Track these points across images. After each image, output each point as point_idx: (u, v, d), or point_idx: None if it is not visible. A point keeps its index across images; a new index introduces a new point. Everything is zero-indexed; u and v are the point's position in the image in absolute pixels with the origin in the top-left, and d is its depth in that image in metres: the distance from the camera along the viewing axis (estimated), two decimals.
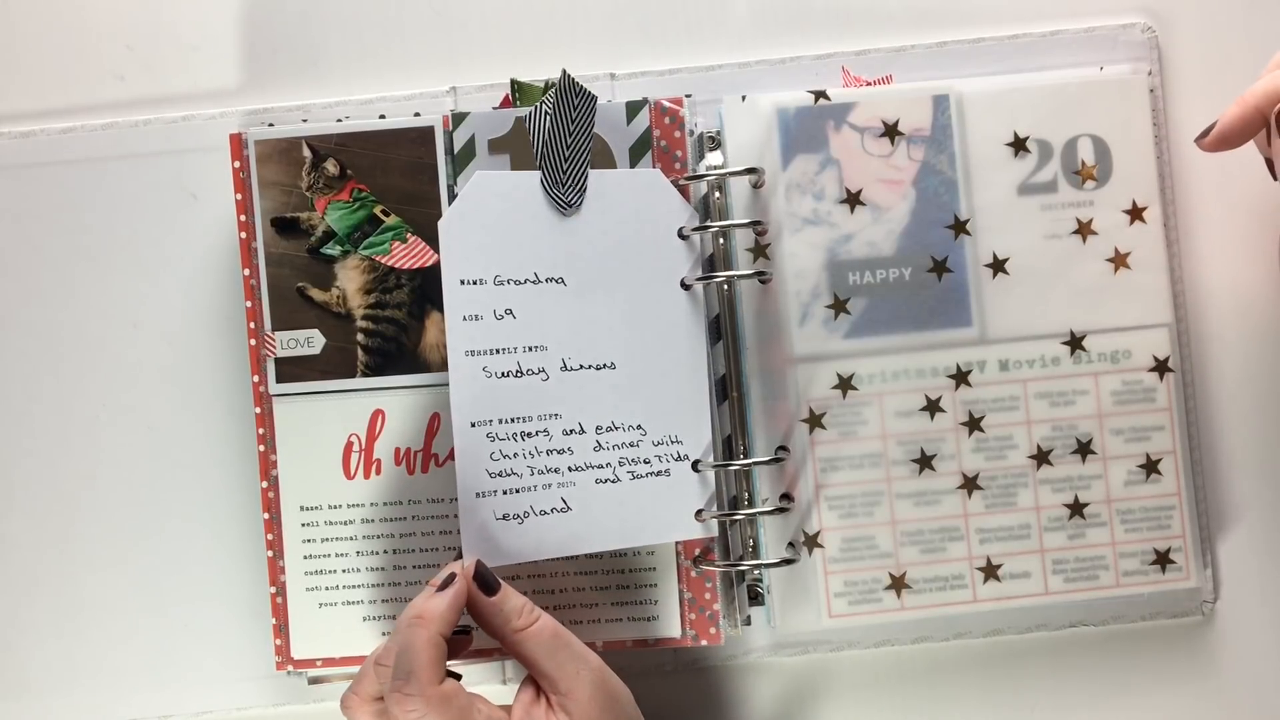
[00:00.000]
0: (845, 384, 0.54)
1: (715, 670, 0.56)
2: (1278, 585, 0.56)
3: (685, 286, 0.53)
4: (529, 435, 0.51)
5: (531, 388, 0.51)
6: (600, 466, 0.52)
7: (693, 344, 0.53)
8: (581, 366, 0.52)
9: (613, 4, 0.57)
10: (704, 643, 0.54)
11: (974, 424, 0.54)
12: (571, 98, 0.52)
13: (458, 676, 0.48)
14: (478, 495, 0.50)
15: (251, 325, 0.54)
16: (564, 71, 0.52)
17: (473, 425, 0.50)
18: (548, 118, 0.52)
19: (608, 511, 0.52)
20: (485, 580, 0.48)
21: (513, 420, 0.51)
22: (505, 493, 0.50)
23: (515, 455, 0.51)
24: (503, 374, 0.51)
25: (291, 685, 0.55)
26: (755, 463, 0.53)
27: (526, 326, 0.51)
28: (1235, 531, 0.56)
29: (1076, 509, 0.54)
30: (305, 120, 0.55)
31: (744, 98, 0.54)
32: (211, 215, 0.56)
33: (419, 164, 0.53)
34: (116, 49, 0.57)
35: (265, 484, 0.54)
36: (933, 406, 0.54)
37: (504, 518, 0.50)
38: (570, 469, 0.51)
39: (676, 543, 0.54)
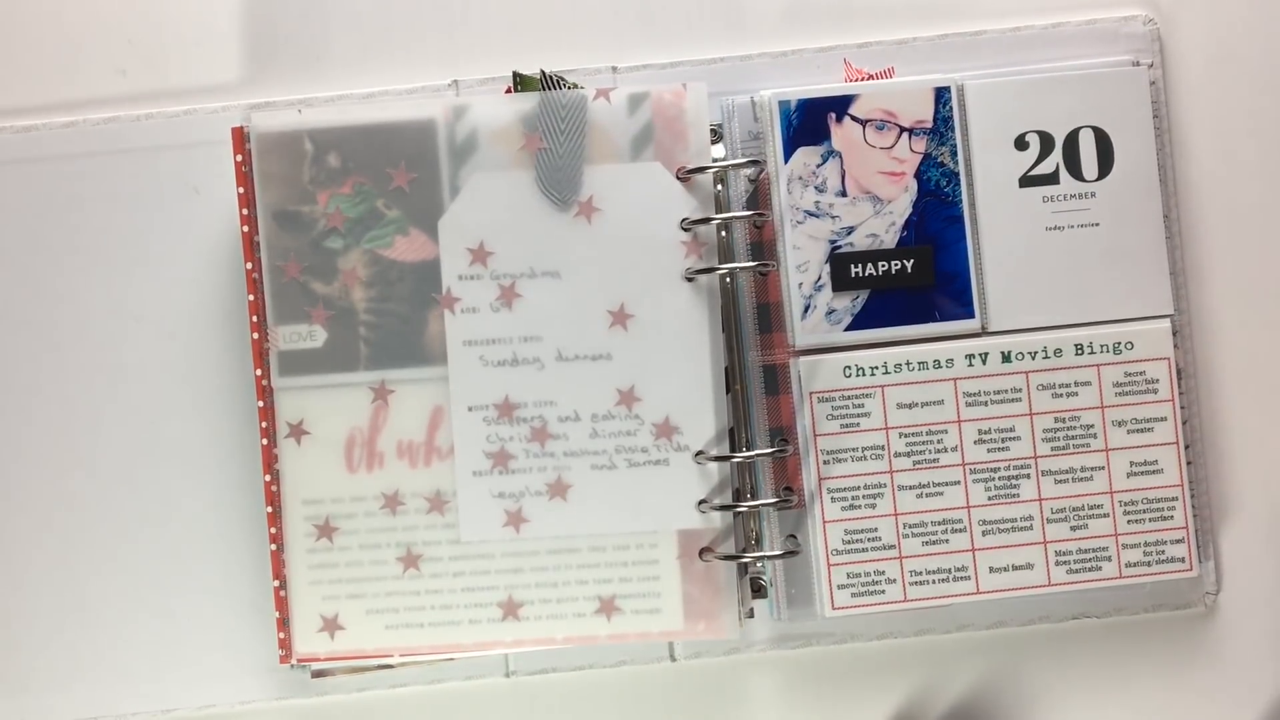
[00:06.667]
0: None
1: (718, 663, 0.56)
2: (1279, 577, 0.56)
3: (687, 279, 0.53)
4: (523, 420, 0.53)
5: (527, 376, 0.53)
6: (596, 453, 0.53)
7: (695, 336, 0.53)
8: (577, 357, 0.53)
9: None
10: (706, 636, 0.54)
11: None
12: (556, 100, 0.53)
13: None
14: (474, 473, 0.52)
15: (254, 319, 0.54)
16: (542, 70, 0.53)
17: (469, 409, 0.53)
18: (536, 119, 0.53)
19: (603, 496, 0.53)
20: None
21: (508, 405, 0.53)
22: (500, 472, 0.53)
23: (510, 438, 0.53)
24: (498, 362, 0.53)
25: (295, 679, 0.55)
26: (757, 455, 0.53)
27: (521, 318, 0.53)
28: (1237, 523, 0.56)
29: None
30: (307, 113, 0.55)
31: (753, 98, 0.54)
32: (213, 209, 0.56)
33: (421, 157, 0.53)
34: (118, 43, 0.57)
35: (268, 477, 0.54)
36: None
37: (500, 495, 0.53)
38: (565, 454, 0.53)
39: (678, 535, 0.54)
